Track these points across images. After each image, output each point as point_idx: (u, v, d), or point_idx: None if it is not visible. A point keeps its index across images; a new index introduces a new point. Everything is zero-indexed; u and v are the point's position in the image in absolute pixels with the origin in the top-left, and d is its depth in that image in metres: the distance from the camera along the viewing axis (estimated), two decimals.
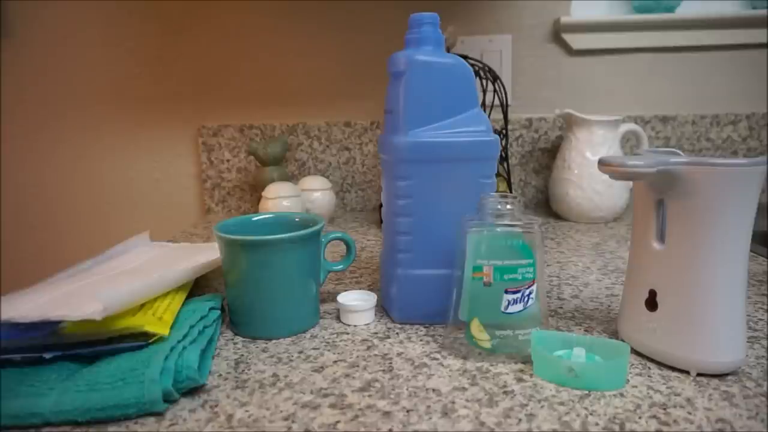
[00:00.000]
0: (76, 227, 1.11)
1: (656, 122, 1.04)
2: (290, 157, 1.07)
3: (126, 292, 0.43)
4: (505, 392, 0.40)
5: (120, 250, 0.67)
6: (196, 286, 0.63)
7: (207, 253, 0.63)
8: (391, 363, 0.45)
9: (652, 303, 0.43)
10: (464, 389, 0.41)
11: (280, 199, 0.86)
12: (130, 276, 0.54)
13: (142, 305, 0.47)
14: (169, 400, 0.39)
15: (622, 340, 0.46)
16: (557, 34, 1.02)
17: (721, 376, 0.41)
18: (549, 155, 1.05)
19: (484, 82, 0.89)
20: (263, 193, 0.88)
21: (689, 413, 0.37)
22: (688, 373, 0.42)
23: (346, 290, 0.59)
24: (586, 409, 0.38)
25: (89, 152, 1.08)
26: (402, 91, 0.50)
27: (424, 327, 0.52)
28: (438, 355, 0.46)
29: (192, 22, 1.03)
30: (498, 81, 0.90)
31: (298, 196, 0.88)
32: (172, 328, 0.45)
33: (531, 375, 0.42)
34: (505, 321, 0.44)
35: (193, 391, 0.41)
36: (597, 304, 0.57)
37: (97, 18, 1.03)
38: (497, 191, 0.70)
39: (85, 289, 0.49)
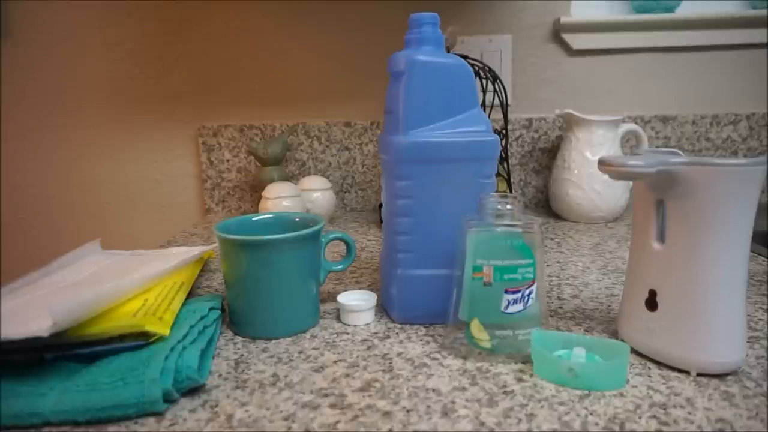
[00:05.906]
0: (76, 227, 1.11)
1: (656, 122, 1.04)
2: (290, 157, 1.07)
3: (76, 304, 0.40)
4: (505, 392, 0.40)
5: (68, 260, 0.63)
6: (196, 286, 0.63)
7: (163, 261, 0.59)
8: (391, 363, 0.45)
9: (652, 303, 0.43)
10: (464, 389, 0.41)
11: (280, 199, 0.86)
12: (81, 287, 0.51)
13: (142, 304, 0.47)
14: (169, 400, 0.39)
15: (622, 340, 0.46)
16: (557, 34, 1.02)
17: (721, 376, 0.41)
18: (549, 155, 1.05)
19: (484, 82, 0.89)
20: (263, 193, 0.88)
21: (689, 413, 0.37)
22: (688, 373, 0.42)
23: (346, 290, 0.59)
24: (586, 409, 0.38)
25: (89, 152, 1.08)
26: (402, 91, 0.50)
27: (424, 327, 0.52)
28: (438, 355, 0.46)
29: (192, 22, 1.03)
30: (498, 81, 0.90)
31: (298, 196, 0.88)
32: (172, 328, 0.45)
33: (531, 375, 0.42)
34: (505, 321, 0.44)
35: (193, 391, 0.41)
36: (597, 304, 0.57)
37: (97, 18, 1.03)
38: (497, 191, 0.70)
39: (31, 303, 0.47)
